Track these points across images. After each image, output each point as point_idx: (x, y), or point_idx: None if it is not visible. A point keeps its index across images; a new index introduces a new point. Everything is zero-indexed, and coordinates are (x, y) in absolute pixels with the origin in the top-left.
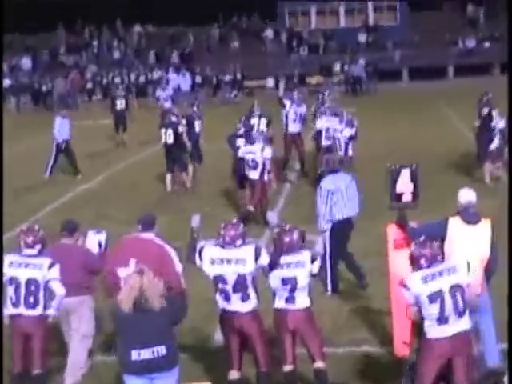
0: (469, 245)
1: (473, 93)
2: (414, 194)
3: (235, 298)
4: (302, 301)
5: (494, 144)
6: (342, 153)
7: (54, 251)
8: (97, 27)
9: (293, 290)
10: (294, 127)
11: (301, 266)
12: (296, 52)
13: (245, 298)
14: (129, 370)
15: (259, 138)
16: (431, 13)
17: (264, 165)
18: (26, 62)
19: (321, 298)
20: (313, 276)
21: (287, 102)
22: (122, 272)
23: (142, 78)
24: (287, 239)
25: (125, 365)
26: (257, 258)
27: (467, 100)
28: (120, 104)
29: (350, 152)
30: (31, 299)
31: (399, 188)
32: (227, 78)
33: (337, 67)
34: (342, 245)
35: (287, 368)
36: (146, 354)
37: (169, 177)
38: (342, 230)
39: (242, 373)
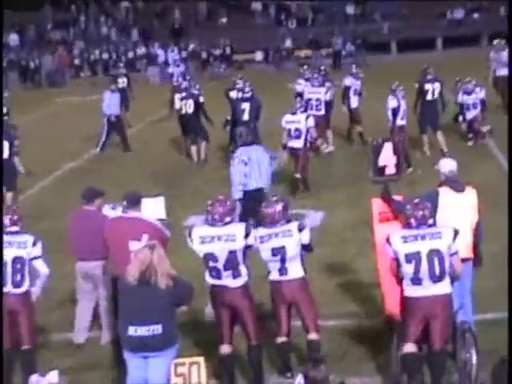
0: (461, 212)
1: (462, 64)
2: (398, 166)
3: (226, 275)
4: (295, 271)
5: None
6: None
7: (74, 215)
8: (84, 2)
9: (283, 260)
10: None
11: (288, 236)
12: (284, 25)
13: (236, 274)
14: (125, 345)
15: (301, 108)
16: None
17: (307, 134)
18: (14, 39)
19: (309, 272)
20: (305, 247)
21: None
22: (133, 245)
23: (130, 54)
24: (271, 210)
25: (122, 339)
26: (247, 234)
27: (456, 71)
28: (122, 82)
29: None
30: (18, 277)
31: (382, 161)
32: (216, 52)
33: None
34: (253, 213)
35: (281, 339)
36: (142, 330)
37: (194, 148)
38: (252, 200)
39: (233, 347)
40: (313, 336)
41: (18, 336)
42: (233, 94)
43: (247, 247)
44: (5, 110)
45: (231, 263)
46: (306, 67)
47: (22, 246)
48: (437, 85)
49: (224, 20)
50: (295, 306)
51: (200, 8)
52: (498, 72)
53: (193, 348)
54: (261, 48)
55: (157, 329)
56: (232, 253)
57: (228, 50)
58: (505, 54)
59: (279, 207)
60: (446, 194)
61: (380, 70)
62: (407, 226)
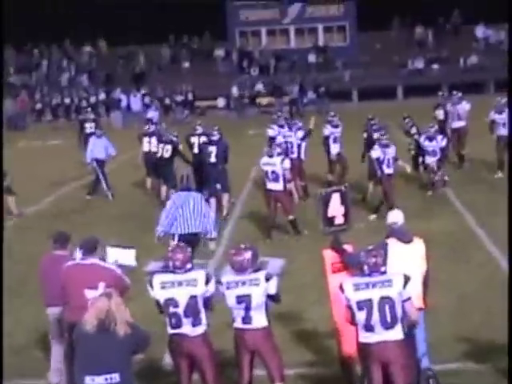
0: (409, 262)
1: (422, 113)
2: (346, 216)
3: (186, 322)
4: (259, 320)
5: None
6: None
7: (45, 260)
8: (46, 46)
9: (248, 308)
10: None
11: (255, 285)
12: (247, 72)
13: (196, 322)
14: None
15: (276, 151)
16: (380, 33)
17: (284, 175)
18: None
19: None
20: (271, 297)
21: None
22: (89, 294)
23: (92, 99)
24: (240, 258)
25: None
26: (207, 280)
27: (417, 119)
28: (90, 128)
29: (303, 155)
30: None
31: (331, 212)
32: (178, 98)
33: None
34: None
35: None
36: (99, 379)
37: (164, 189)
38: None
39: None
40: None
41: None
42: (193, 140)
43: (208, 297)
44: None
45: (192, 309)
46: (279, 114)
47: None
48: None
49: (187, 65)
50: (258, 354)
51: (163, 52)
52: (454, 125)
53: None
54: (223, 94)
55: (114, 377)
56: (193, 298)
57: (190, 96)
58: (460, 107)
59: (248, 255)
60: (393, 245)
61: (342, 118)
62: (360, 273)
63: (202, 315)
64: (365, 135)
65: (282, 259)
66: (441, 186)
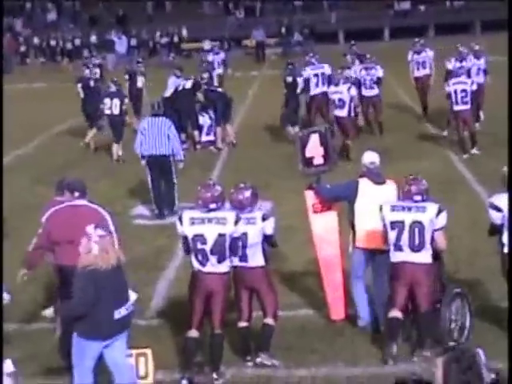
0: (377, 203)
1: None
2: (326, 157)
3: (212, 259)
4: (256, 259)
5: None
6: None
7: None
8: None
9: (244, 246)
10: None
11: (252, 224)
12: (232, 14)
13: (221, 260)
14: (104, 331)
15: (342, 79)
16: None
17: (351, 102)
18: None
19: None
20: (267, 239)
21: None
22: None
23: (77, 41)
24: (240, 196)
25: (102, 327)
26: (236, 222)
27: (402, 61)
28: (94, 73)
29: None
30: None
31: (309, 152)
32: (164, 40)
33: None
34: (157, 178)
35: (242, 324)
36: (123, 311)
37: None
38: (153, 164)
39: (201, 334)
40: (268, 320)
41: None
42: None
43: (234, 239)
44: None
45: (218, 247)
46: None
47: None
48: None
49: (171, 7)
50: (255, 292)
51: None
52: (418, 73)
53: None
54: (209, 37)
55: (129, 306)
56: (221, 236)
57: (176, 39)
58: (424, 55)
59: (248, 193)
60: (364, 184)
61: (328, 60)
62: (405, 196)
63: (227, 255)
64: (290, 79)
65: (270, 202)
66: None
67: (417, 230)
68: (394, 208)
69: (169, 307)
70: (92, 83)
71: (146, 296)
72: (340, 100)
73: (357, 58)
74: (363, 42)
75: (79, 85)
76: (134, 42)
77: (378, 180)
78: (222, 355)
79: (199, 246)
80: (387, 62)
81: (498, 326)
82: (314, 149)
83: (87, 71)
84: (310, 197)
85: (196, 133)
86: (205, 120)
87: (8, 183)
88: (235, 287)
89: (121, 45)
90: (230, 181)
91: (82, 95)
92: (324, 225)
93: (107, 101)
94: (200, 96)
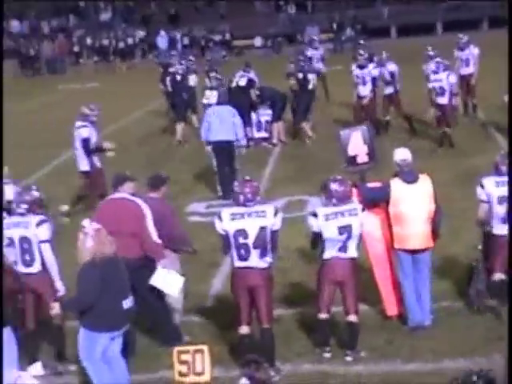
0: (414, 203)
1: None
2: (370, 155)
3: (254, 253)
4: (353, 250)
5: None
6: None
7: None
8: None
9: (349, 238)
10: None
11: (354, 215)
12: (284, 11)
13: (263, 254)
14: (114, 322)
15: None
16: None
17: (451, 89)
18: (14, 26)
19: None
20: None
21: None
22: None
23: (129, 40)
24: (341, 188)
25: (111, 318)
26: (276, 213)
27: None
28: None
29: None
30: (26, 257)
31: (352, 151)
32: (215, 38)
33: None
34: (222, 163)
35: (322, 316)
36: (129, 301)
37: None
38: (219, 150)
39: (252, 328)
40: (352, 318)
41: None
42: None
43: (274, 231)
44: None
45: (260, 241)
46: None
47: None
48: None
49: (223, 4)
50: (341, 286)
51: None
52: (463, 71)
53: (196, 334)
54: (261, 34)
55: (132, 298)
56: (262, 229)
57: (228, 36)
58: (467, 52)
59: (347, 187)
60: (397, 185)
61: (381, 55)
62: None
63: (269, 248)
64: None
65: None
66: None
67: None
68: (498, 184)
69: (225, 303)
70: (179, 78)
71: (202, 292)
72: (440, 88)
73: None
74: (415, 37)
75: (168, 78)
76: (186, 40)
77: (409, 179)
78: (274, 350)
79: (241, 240)
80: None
81: None
82: (357, 147)
83: (176, 67)
84: (356, 194)
85: (249, 129)
86: (259, 117)
87: (63, 182)
88: (320, 279)
89: (162, 41)
90: (282, 177)
91: (170, 89)
92: (373, 221)
93: (208, 92)
94: (253, 93)
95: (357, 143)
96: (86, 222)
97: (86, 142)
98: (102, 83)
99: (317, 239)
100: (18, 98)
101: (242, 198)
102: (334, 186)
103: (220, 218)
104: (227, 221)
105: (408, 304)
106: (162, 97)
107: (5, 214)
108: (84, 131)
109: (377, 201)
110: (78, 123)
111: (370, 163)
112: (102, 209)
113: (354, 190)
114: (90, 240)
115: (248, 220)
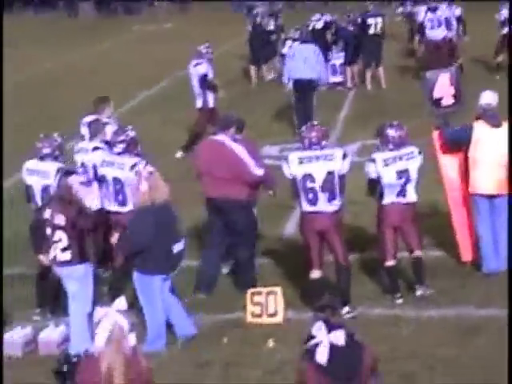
0: (494, 146)
1: None
2: (456, 97)
3: (322, 197)
4: (412, 195)
5: None
6: None
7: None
8: None
9: (407, 182)
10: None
11: (411, 158)
12: None
13: (331, 198)
14: (167, 266)
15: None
16: None
17: None
18: None
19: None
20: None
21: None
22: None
23: None
24: (397, 133)
25: (163, 261)
26: (344, 157)
27: None
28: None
29: None
30: (119, 197)
31: (438, 93)
32: None
33: None
34: (302, 99)
35: (390, 263)
36: (180, 245)
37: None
38: (299, 86)
39: (324, 272)
40: (417, 253)
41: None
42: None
43: (342, 175)
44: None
45: (328, 184)
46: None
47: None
48: (379, 19)
49: None
50: (402, 229)
51: None
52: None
53: (269, 277)
54: None
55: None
56: (330, 173)
57: None
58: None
59: (404, 131)
60: (480, 128)
61: None
62: None
63: (337, 192)
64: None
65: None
66: None
67: None
68: None
69: (297, 247)
70: (258, 20)
71: (275, 235)
72: None
73: None
74: None
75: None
76: None
77: (494, 122)
78: (349, 287)
79: (309, 184)
80: None
81: None
82: (444, 89)
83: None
84: (438, 137)
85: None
86: (332, 60)
87: (139, 121)
88: (381, 224)
89: None
90: (357, 120)
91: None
92: (453, 165)
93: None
94: (329, 36)
95: (443, 85)
96: (141, 166)
97: (203, 77)
98: (176, 24)
99: (375, 185)
100: (93, 38)
101: (307, 141)
102: (390, 132)
103: (288, 161)
104: (295, 165)
105: (483, 250)
106: (234, 39)
107: (104, 149)
108: (201, 68)
109: (459, 143)
110: (194, 61)
111: (455, 106)
112: (203, 149)
113: (436, 133)
114: (144, 184)
115: (316, 164)
